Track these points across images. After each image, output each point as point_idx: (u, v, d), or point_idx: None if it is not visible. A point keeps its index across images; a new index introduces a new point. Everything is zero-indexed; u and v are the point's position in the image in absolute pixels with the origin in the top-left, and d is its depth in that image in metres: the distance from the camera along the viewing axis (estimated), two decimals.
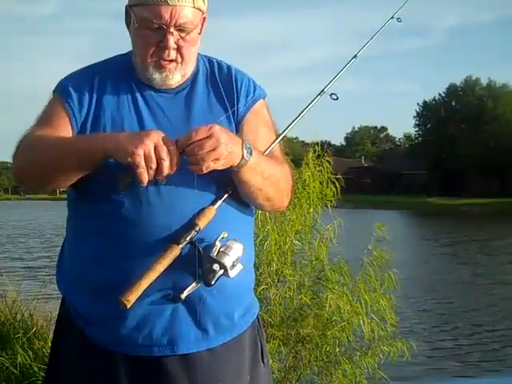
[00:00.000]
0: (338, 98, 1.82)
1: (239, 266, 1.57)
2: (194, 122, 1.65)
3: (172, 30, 1.60)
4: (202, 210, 1.58)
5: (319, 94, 1.82)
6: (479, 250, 17.87)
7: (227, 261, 1.54)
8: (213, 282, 1.54)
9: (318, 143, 4.23)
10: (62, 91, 1.69)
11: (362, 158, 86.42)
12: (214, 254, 1.55)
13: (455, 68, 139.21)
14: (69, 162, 1.55)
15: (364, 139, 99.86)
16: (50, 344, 4.11)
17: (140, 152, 1.43)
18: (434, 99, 67.31)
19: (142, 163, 1.43)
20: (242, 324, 1.71)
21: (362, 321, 3.80)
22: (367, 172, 73.13)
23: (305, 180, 3.99)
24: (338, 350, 3.98)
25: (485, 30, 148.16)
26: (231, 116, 1.71)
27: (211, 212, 1.58)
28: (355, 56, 1.93)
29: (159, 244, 1.54)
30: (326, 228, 4.09)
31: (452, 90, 66.15)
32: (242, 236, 1.64)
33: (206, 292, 1.59)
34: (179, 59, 1.64)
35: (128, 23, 1.68)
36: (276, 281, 3.94)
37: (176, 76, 1.66)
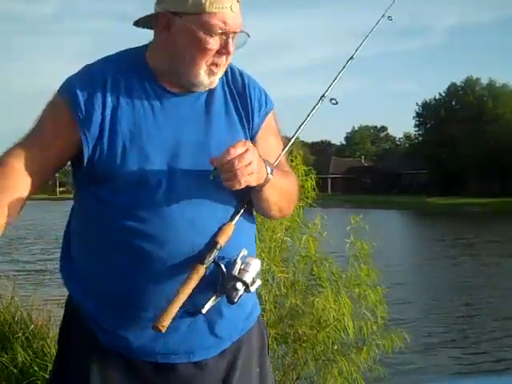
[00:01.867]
0: (337, 103, 1.83)
1: (258, 282, 1.60)
2: (214, 128, 1.67)
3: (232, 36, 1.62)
4: (221, 227, 1.60)
5: (320, 99, 1.82)
6: (486, 251, 17.80)
7: (248, 278, 1.57)
8: (236, 300, 1.57)
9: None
10: (72, 102, 1.59)
11: (362, 157, 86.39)
12: (236, 272, 1.57)
13: (455, 68, 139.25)
14: None
15: (364, 139, 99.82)
16: (49, 343, 4.13)
17: None
18: (434, 99, 67.34)
19: None
20: (251, 322, 1.76)
21: (346, 324, 3.80)
22: (367, 172, 73.17)
23: None
24: (335, 347, 3.98)
25: (485, 30, 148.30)
26: (247, 131, 1.73)
27: (231, 228, 1.60)
28: (351, 58, 1.93)
29: (182, 261, 1.57)
30: (314, 222, 4.08)
31: (452, 90, 66.13)
32: (250, 245, 1.69)
33: (223, 304, 1.61)
34: (224, 64, 1.66)
35: (161, 26, 1.63)
36: (269, 279, 3.93)
37: (217, 79, 1.68)
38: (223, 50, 1.62)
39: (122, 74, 1.65)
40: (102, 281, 1.63)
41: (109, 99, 1.61)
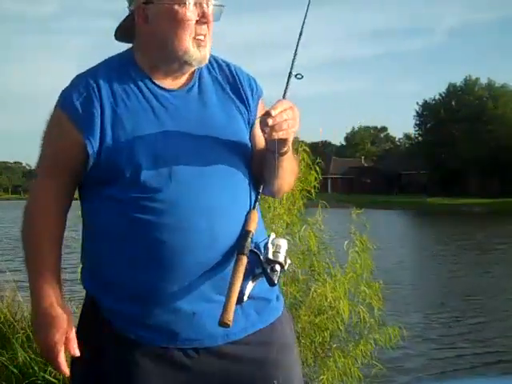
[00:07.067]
0: (302, 77, 1.76)
1: (289, 260, 1.67)
2: (214, 119, 1.69)
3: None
4: (248, 216, 1.65)
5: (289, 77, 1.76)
6: (486, 251, 17.77)
7: (282, 258, 1.64)
8: (276, 282, 1.63)
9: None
10: (71, 112, 1.62)
11: (362, 158, 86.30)
12: (271, 255, 1.63)
13: (455, 68, 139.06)
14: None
15: (364, 139, 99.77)
16: None
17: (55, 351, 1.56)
18: (434, 99, 67.39)
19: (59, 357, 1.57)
20: (279, 306, 1.77)
21: (342, 309, 3.79)
22: (367, 172, 73.20)
23: None
24: (334, 346, 3.98)
25: (485, 30, 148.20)
26: (245, 116, 1.75)
27: (256, 215, 1.66)
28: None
29: (206, 249, 1.59)
30: (315, 218, 4.08)
31: (452, 90, 66.15)
32: (264, 228, 1.77)
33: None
34: (207, 34, 1.67)
35: (140, 22, 1.66)
36: None
37: (208, 53, 1.69)
38: (202, 18, 1.63)
39: (114, 76, 1.67)
40: (121, 275, 1.61)
41: (106, 101, 1.62)
